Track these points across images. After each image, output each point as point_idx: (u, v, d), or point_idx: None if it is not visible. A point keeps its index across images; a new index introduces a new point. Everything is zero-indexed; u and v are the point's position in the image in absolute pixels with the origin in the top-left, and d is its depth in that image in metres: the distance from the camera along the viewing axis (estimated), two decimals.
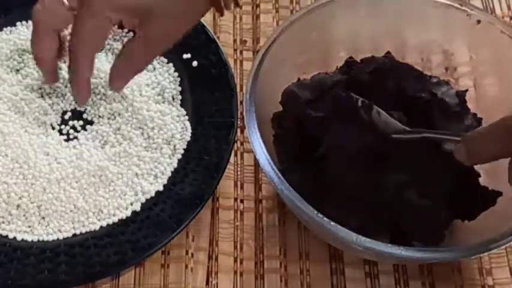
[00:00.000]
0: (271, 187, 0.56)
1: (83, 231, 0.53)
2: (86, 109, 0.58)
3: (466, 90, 0.54)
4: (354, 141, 0.48)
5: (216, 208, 0.56)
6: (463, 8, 0.55)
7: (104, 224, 0.53)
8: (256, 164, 0.57)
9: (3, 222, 0.53)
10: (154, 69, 0.61)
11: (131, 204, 0.54)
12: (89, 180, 0.54)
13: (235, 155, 0.58)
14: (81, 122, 0.58)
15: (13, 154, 0.55)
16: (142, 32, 0.50)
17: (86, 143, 0.56)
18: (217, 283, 0.52)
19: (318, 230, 0.47)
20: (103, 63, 0.60)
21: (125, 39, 0.62)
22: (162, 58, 0.61)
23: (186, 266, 0.53)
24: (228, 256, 0.54)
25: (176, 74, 0.60)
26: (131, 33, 0.62)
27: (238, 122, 0.56)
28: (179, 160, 0.56)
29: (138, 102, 0.58)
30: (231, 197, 0.56)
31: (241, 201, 0.56)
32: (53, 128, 0.57)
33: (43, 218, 0.53)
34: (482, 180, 0.51)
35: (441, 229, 0.49)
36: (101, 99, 0.59)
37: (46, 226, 0.53)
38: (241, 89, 0.60)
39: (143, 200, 0.54)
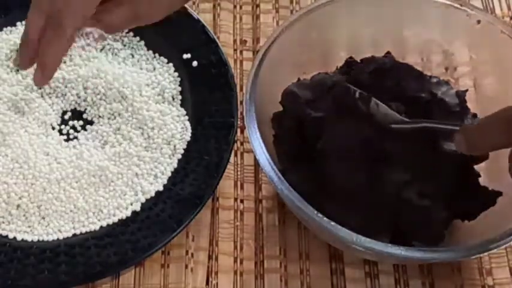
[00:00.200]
0: (271, 187, 0.56)
1: (83, 231, 0.53)
2: (86, 109, 0.58)
3: (466, 90, 0.54)
4: (353, 134, 0.48)
5: (216, 208, 0.56)
6: (463, 8, 0.55)
7: (104, 224, 0.53)
8: (256, 164, 0.57)
9: (3, 222, 0.53)
10: (154, 69, 0.61)
11: (131, 204, 0.54)
12: (89, 180, 0.54)
13: (235, 155, 0.58)
14: (81, 122, 0.58)
15: (13, 154, 0.55)
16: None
17: (86, 143, 0.56)
18: (217, 283, 0.52)
19: (318, 230, 0.47)
20: (103, 63, 0.60)
21: (125, 39, 0.62)
22: (162, 58, 0.61)
23: (186, 266, 0.53)
24: (228, 256, 0.54)
25: (176, 74, 0.60)
26: (131, 33, 0.62)
27: (238, 122, 0.56)
28: (179, 160, 0.56)
29: (138, 102, 0.58)
30: (231, 197, 0.56)
31: (241, 201, 0.56)
32: (53, 128, 0.58)
33: (43, 218, 0.53)
34: (482, 180, 0.51)
35: (441, 229, 0.49)
36: (100, 99, 0.59)
37: (46, 226, 0.53)
38: (241, 89, 0.60)
39: (143, 200, 0.54)
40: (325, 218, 0.45)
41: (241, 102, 0.55)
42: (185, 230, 0.52)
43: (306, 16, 0.54)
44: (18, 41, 0.60)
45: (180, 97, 0.59)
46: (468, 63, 0.58)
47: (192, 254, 0.53)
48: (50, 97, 0.59)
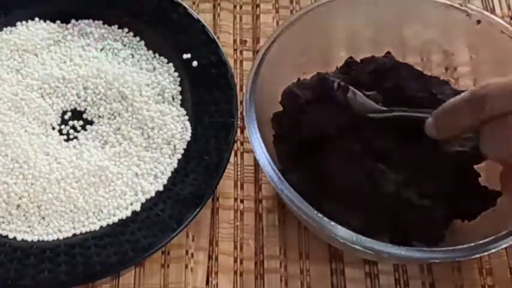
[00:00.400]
0: (271, 187, 0.56)
1: (83, 231, 0.53)
2: (86, 109, 0.59)
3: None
4: (331, 122, 0.49)
5: (216, 208, 0.56)
6: (463, 8, 0.55)
7: (104, 224, 0.53)
8: (256, 164, 0.57)
9: (3, 222, 0.53)
10: (154, 69, 0.61)
11: (131, 204, 0.54)
12: (89, 180, 0.54)
13: (235, 155, 0.58)
14: (81, 122, 0.58)
15: (13, 154, 0.55)
16: None
17: (86, 143, 0.56)
18: (217, 283, 0.52)
19: (318, 230, 0.46)
20: (103, 63, 0.60)
21: (125, 39, 0.62)
22: (162, 58, 0.61)
23: (186, 266, 0.53)
24: (228, 256, 0.54)
25: (176, 74, 0.60)
26: (131, 33, 0.62)
27: (238, 122, 0.56)
28: (179, 160, 0.56)
29: (138, 102, 0.58)
30: (231, 197, 0.56)
31: (241, 201, 0.56)
32: (53, 128, 0.58)
33: (43, 218, 0.53)
34: (482, 180, 0.51)
35: (441, 229, 0.49)
36: (101, 99, 0.59)
37: (46, 226, 0.53)
38: (241, 89, 0.60)
39: (143, 200, 0.54)
40: (325, 218, 0.45)
41: (241, 102, 0.55)
42: (185, 230, 0.52)
43: (306, 16, 0.54)
44: (18, 41, 0.60)
45: (180, 97, 0.59)
46: (468, 63, 0.58)
47: (192, 254, 0.53)
48: (50, 97, 0.59)
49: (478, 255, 0.45)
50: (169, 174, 0.55)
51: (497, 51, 0.55)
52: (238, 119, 0.56)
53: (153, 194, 0.54)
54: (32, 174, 0.54)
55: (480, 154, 0.48)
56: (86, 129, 0.58)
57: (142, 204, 0.54)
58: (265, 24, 0.65)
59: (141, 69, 0.60)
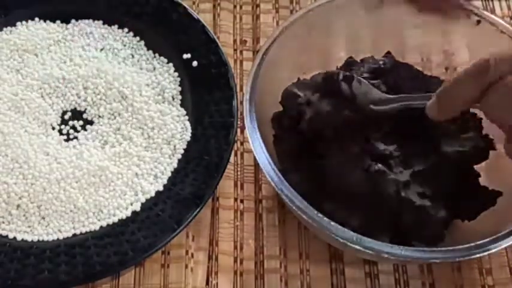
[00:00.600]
0: (271, 187, 0.56)
1: (83, 231, 0.53)
2: (86, 109, 0.59)
3: None
4: (335, 113, 0.49)
5: (216, 208, 0.56)
6: (463, 8, 0.55)
7: (104, 224, 0.53)
8: (256, 164, 0.57)
9: (3, 222, 0.53)
10: (154, 69, 0.61)
11: (131, 204, 0.54)
12: (89, 180, 0.54)
13: (235, 155, 0.58)
14: (81, 122, 0.58)
15: (13, 154, 0.55)
16: None
17: (86, 143, 0.56)
18: (217, 283, 0.52)
19: (318, 230, 0.46)
20: (103, 63, 0.60)
21: (125, 39, 0.62)
22: (162, 58, 0.61)
23: (186, 266, 0.53)
24: (228, 256, 0.54)
25: (176, 74, 0.60)
26: (131, 33, 0.62)
27: (238, 122, 0.56)
28: (179, 160, 0.56)
29: (138, 102, 0.58)
30: (231, 197, 0.56)
31: (241, 201, 0.56)
32: (53, 128, 0.57)
33: (43, 218, 0.53)
34: (482, 180, 0.51)
35: (441, 229, 0.49)
36: (101, 99, 0.59)
37: (46, 226, 0.53)
38: (241, 89, 0.60)
39: (143, 200, 0.54)
40: (325, 218, 0.45)
41: (241, 102, 0.55)
42: (185, 230, 0.52)
43: (306, 16, 0.54)
44: (18, 41, 0.60)
45: (180, 97, 0.59)
46: (468, 63, 0.57)
47: (192, 254, 0.53)
48: (50, 97, 0.59)
49: (478, 255, 0.45)
50: (169, 174, 0.55)
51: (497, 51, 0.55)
52: (238, 119, 0.56)
53: (153, 194, 0.54)
54: (32, 174, 0.54)
55: (480, 154, 0.48)
56: (86, 129, 0.58)
57: (142, 204, 0.54)
58: (265, 24, 0.65)
59: (141, 69, 0.60)
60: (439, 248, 0.46)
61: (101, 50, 0.61)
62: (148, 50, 0.62)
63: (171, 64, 0.61)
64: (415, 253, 0.45)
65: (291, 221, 0.55)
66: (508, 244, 0.45)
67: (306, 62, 0.56)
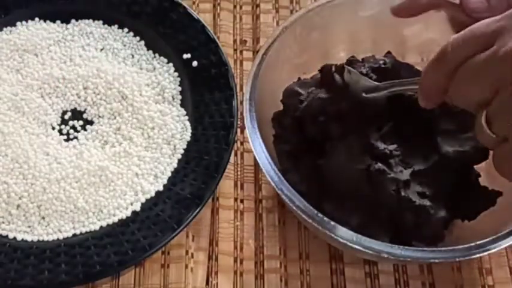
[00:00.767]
0: (271, 187, 0.56)
1: (83, 231, 0.53)
2: (86, 109, 0.59)
3: None
4: (328, 104, 0.49)
5: (216, 208, 0.56)
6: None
7: (104, 224, 0.53)
8: (256, 164, 0.57)
9: (3, 222, 0.53)
10: (155, 69, 0.61)
11: (131, 204, 0.54)
12: (89, 180, 0.54)
13: (235, 155, 0.58)
14: (81, 122, 0.58)
15: (13, 154, 0.55)
16: None
17: (86, 143, 0.56)
18: (217, 283, 0.52)
19: (318, 230, 0.46)
20: (103, 63, 0.60)
21: (125, 39, 0.62)
22: (162, 58, 0.61)
23: (186, 266, 0.53)
24: (228, 256, 0.54)
25: (176, 74, 0.60)
26: (131, 33, 0.62)
27: (238, 122, 0.56)
28: (179, 160, 0.56)
29: (138, 102, 0.58)
30: (231, 197, 0.56)
31: (241, 201, 0.56)
32: (53, 128, 0.58)
33: (43, 218, 0.53)
34: (482, 180, 0.51)
35: (441, 229, 0.49)
36: (101, 99, 0.59)
37: (46, 226, 0.53)
38: (241, 89, 0.60)
39: (143, 200, 0.54)
40: (325, 218, 0.45)
41: (241, 102, 0.55)
42: (185, 230, 0.52)
43: (306, 16, 0.54)
44: (18, 41, 0.60)
45: (180, 97, 0.59)
46: None
47: (192, 254, 0.53)
48: (50, 97, 0.59)
49: (478, 255, 0.45)
50: (169, 174, 0.55)
51: None
52: (238, 119, 0.56)
53: (153, 194, 0.54)
54: (32, 174, 0.54)
55: (480, 154, 0.48)
56: (86, 129, 0.58)
57: (142, 204, 0.54)
58: (265, 24, 0.65)
59: (141, 69, 0.60)
60: (439, 248, 0.46)
61: (101, 50, 0.61)
62: (148, 50, 0.62)
63: (171, 64, 0.61)
64: (415, 253, 0.45)
65: (291, 221, 0.55)
66: (508, 244, 0.45)
67: (306, 62, 0.56)
